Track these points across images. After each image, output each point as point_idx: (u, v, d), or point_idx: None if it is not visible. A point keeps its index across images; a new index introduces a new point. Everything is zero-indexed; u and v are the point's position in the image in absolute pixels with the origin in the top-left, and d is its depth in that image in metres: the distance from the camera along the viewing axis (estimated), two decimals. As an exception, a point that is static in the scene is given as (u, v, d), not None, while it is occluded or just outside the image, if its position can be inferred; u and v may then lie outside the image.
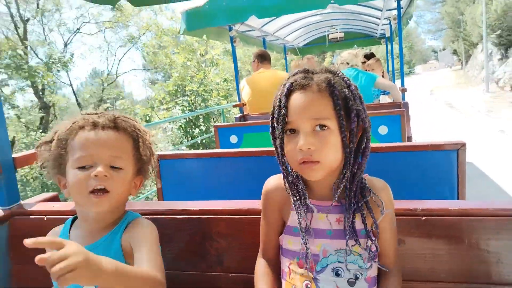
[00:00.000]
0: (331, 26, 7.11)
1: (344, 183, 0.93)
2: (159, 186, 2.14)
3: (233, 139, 3.37)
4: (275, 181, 1.08)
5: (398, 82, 4.99)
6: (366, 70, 4.88)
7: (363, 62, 5.47)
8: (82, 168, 0.97)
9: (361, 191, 0.96)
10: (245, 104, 4.45)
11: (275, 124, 0.96)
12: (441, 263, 1.06)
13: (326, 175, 0.93)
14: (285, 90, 0.93)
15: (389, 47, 7.75)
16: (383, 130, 2.78)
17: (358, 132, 0.93)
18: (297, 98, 0.92)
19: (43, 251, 1.11)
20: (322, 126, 0.89)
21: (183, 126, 9.85)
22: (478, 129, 9.84)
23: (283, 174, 1.01)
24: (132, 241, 1.00)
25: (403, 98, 4.31)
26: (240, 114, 4.37)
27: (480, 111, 13.34)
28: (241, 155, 2.06)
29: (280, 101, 0.94)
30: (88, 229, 1.05)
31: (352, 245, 0.94)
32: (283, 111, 0.92)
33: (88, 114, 1.06)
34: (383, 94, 5.62)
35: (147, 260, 0.94)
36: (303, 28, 6.95)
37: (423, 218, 1.07)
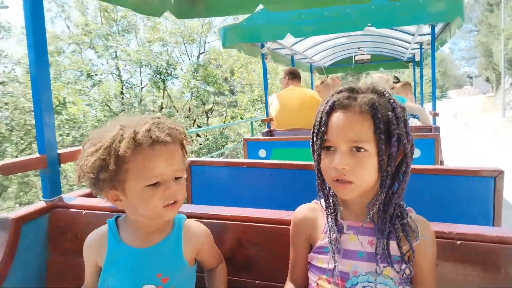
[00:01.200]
0: (358, 48, 7.10)
1: (377, 205, 0.94)
2: (189, 190, 2.21)
3: (262, 153, 3.42)
4: (304, 210, 1.09)
5: (428, 106, 4.91)
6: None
7: (392, 88, 5.44)
8: (152, 185, 0.98)
9: (400, 215, 0.96)
10: (272, 119, 4.50)
11: (314, 139, 0.98)
12: None
13: (359, 195, 0.94)
14: (327, 107, 0.94)
15: (417, 71, 7.66)
16: (415, 153, 2.74)
17: (398, 156, 0.93)
18: (337, 117, 0.92)
19: (80, 244, 1.17)
20: (359, 148, 0.90)
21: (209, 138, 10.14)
22: (482, 141, 13.17)
23: (318, 188, 1.03)
24: (200, 252, 1.15)
25: (434, 123, 4.24)
26: (267, 129, 4.43)
27: (489, 130, 16.52)
28: (270, 167, 2.09)
29: (321, 118, 0.95)
30: (141, 232, 1.09)
31: (384, 266, 0.94)
32: (323, 128, 0.94)
33: (136, 124, 1.00)
34: (412, 117, 5.54)
35: (215, 261, 1.20)
36: (330, 49, 6.98)
37: (458, 242, 1.06)
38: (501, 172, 1.64)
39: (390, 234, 0.94)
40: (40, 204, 1.49)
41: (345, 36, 6.04)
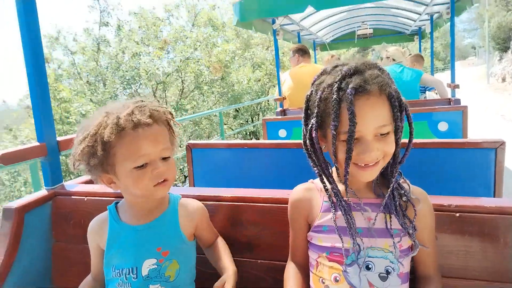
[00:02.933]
0: (363, 22, 6.98)
1: (381, 181, 0.95)
2: (191, 173, 2.21)
3: (282, 133, 3.37)
4: (300, 191, 1.09)
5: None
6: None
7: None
8: (139, 167, 1.01)
9: (397, 191, 0.97)
10: (285, 98, 4.43)
11: (328, 129, 0.91)
12: (474, 260, 1.05)
13: None
14: (344, 95, 0.86)
15: (426, 44, 7.51)
16: (443, 126, 2.70)
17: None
18: (362, 105, 0.86)
19: (84, 230, 1.19)
20: (383, 134, 0.89)
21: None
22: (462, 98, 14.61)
23: (316, 169, 1.01)
24: (199, 227, 1.19)
25: (453, 95, 4.09)
26: (281, 109, 4.36)
27: (473, 92, 18.98)
28: (270, 147, 2.09)
29: (331, 108, 0.88)
30: (138, 211, 1.13)
31: (385, 240, 0.95)
32: (335, 122, 0.87)
33: (119, 110, 1.03)
34: (428, 91, 5.44)
35: (212, 237, 1.24)
36: (334, 24, 6.87)
37: (457, 214, 1.06)
38: (502, 143, 1.63)
39: (391, 208, 0.95)
40: (42, 192, 1.51)
41: (348, 11, 5.93)
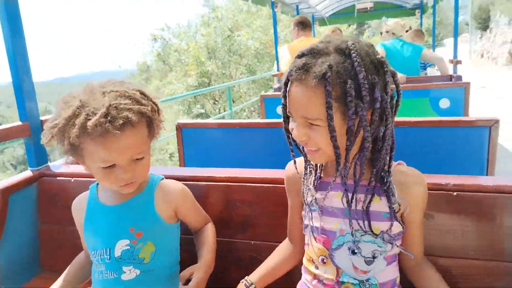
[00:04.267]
0: None
1: (359, 164, 0.86)
2: (181, 154, 2.16)
3: (280, 109, 3.29)
4: (292, 166, 1.04)
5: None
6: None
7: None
8: (106, 167, 0.95)
9: (383, 175, 0.90)
10: (283, 74, 4.32)
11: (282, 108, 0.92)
12: (471, 240, 1.03)
13: (333, 158, 0.87)
14: (285, 78, 0.87)
15: (427, 19, 7.37)
16: (444, 103, 2.64)
17: (358, 130, 0.81)
18: (292, 91, 0.84)
19: (69, 212, 1.15)
20: (311, 124, 0.84)
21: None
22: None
23: (290, 148, 0.97)
24: (178, 211, 1.13)
25: (455, 71, 3.99)
26: (279, 85, 4.22)
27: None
28: (261, 126, 2.04)
29: (282, 88, 0.90)
30: (116, 192, 1.07)
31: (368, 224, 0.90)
32: (282, 100, 0.89)
33: (95, 102, 0.91)
34: (428, 67, 5.31)
35: (199, 220, 1.19)
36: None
37: (455, 193, 1.04)
38: (496, 121, 1.60)
39: (376, 190, 0.90)
40: (27, 173, 1.45)
41: None
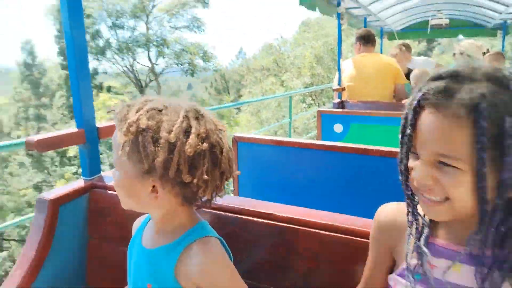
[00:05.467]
0: (438, 11, 6.30)
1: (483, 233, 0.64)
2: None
3: (338, 128, 3.04)
4: (391, 211, 0.82)
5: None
6: None
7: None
8: None
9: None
10: (344, 89, 3.96)
11: (400, 136, 0.72)
12: None
13: (458, 218, 0.67)
14: (414, 102, 0.67)
15: (507, 40, 6.63)
16: None
17: None
18: (424, 119, 0.66)
19: (121, 230, 1.03)
20: (446, 164, 0.62)
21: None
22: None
23: (406, 201, 0.76)
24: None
25: None
26: (339, 100, 3.90)
27: None
28: (321, 148, 1.81)
29: (406, 116, 0.70)
30: (154, 231, 0.93)
31: None
32: (408, 130, 0.69)
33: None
34: None
35: None
36: (405, 11, 6.28)
37: None
38: None
39: (496, 267, 0.64)
40: (79, 183, 1.37)
41: None
